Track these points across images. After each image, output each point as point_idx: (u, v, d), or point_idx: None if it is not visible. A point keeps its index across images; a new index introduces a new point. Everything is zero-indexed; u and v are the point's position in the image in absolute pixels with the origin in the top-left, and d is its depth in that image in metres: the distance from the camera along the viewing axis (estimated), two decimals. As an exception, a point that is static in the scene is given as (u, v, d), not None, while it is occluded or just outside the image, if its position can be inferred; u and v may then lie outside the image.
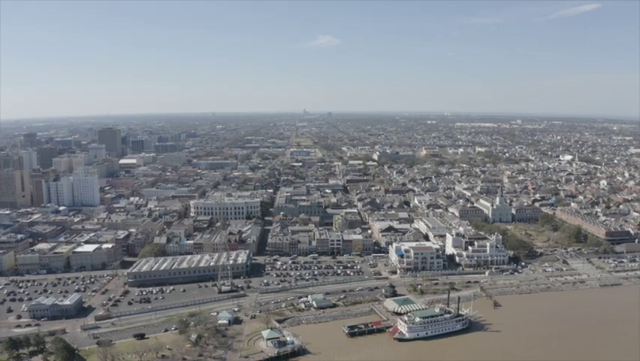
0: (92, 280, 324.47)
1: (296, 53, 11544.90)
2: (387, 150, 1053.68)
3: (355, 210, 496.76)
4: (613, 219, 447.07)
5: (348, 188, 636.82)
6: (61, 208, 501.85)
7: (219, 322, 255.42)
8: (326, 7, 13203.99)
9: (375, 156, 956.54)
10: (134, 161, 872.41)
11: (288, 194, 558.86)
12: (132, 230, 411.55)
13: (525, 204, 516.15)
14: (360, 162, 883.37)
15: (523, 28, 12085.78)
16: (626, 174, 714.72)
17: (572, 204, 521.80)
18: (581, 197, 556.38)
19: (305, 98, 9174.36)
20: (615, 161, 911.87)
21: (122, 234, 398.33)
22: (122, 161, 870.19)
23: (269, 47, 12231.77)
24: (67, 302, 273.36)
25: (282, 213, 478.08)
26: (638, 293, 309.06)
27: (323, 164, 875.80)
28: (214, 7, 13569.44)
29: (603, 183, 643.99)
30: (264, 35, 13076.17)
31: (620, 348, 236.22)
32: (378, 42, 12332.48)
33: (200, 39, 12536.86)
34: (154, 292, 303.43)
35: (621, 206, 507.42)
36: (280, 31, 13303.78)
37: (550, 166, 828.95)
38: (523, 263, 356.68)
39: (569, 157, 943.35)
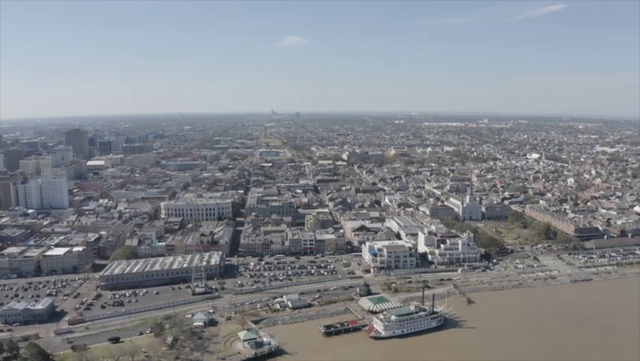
0: (64, 283, 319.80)
1: (263, 54, 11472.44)
2: (357, 150, 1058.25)
3: (327, 210, 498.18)
4: (581, 216, 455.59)
5: (318, 188, 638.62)
6: (30, 211, 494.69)
7: (195, 324, 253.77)
8: (293, 7, 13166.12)
9: (344, 156, 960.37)
10: (101, 162, 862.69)
11: (259, 194, 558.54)
12: (103, 233, 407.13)
13: (494, 202, 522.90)
14: (330, 161, 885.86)
15: (492, 29, 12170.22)
16: (593, 172, 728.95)
17: (541, 201, 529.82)
18: (549, 195, 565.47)
19: (273, 99, 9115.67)
20: (582, 159, 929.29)
21: (92, 236, 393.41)
22: (89, 163, 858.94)
23: (236, 48, 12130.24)
24: (39, 307, 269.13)
25: (253, 213, 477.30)
26: (609, 288, 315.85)
27: (293, 164, 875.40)
28: (181, 8, 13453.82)
29: (570, 180, 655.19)
30: (231, 37, 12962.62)
31: (593, 343, 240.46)
32: (346, 42, 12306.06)
33: (166, 40, 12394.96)
34: (127, 295, 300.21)
35: (589, 203, 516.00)
36: (247, 33, 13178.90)
37: (517, 165, 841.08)
38: (494, 260, 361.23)
39: (536, 155, 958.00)
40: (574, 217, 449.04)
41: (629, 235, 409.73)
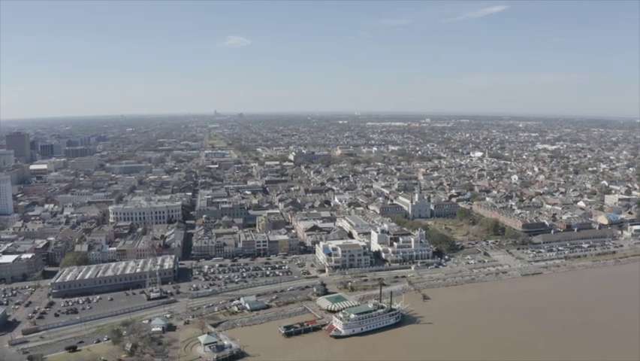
0: (14, 292, 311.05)
1: (206, 54, 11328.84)
2: (303, 150, 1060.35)
3: (277, 211, 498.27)
4: (528, 211, 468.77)
5: (267, 189, 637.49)
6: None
7: (153, 329, 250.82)
8: (237, 7, 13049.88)
9: (291, 157, 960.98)
10: (44, 166, 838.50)
11: (209, 196, 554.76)
12: (51, 238, 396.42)
13: (442, 199, 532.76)
14: (277, 162, 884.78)
15: (432, 30, 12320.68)
16: (536, 169, 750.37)
17: (487, 198, 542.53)
18: (494, 192, 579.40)
19: (215, 100, 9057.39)
20: (524, 156, 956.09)
21: (40, 243, 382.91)
22: (32, 167, 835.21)
23: (177, 48, 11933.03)
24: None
25: (204, 216, 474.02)
26: (559, 281, 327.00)
27: (240, 165, 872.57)
28: (122, 8, 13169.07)
29: (514, 177, 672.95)
30: (173, 37, 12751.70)
31: (545, 333, 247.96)
32: (289, 43, 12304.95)
33: (105, 41, 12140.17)
34: (80, 302, 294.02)
35: (534, 199, 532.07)
36: (189, 33, 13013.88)
37: (462, 163, 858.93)
38: (446, 257, 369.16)
39: (479, 154, 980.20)
40: (520, 213, 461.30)
41: (575, 229, 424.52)
